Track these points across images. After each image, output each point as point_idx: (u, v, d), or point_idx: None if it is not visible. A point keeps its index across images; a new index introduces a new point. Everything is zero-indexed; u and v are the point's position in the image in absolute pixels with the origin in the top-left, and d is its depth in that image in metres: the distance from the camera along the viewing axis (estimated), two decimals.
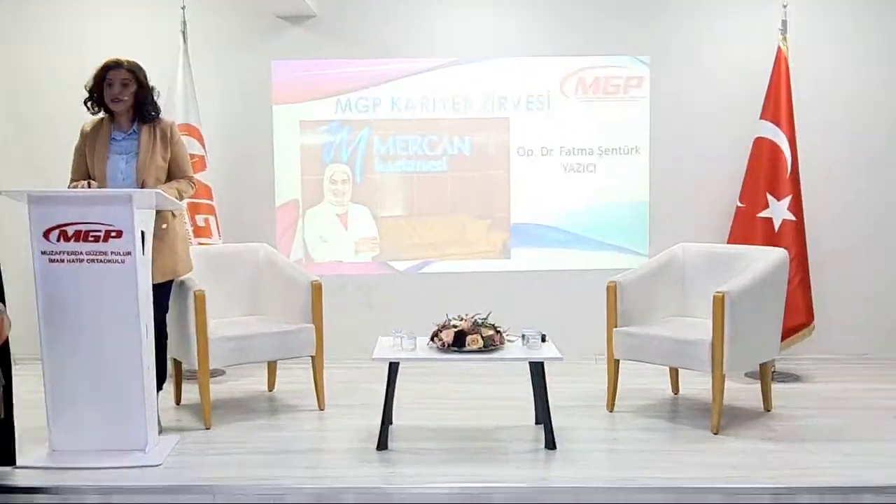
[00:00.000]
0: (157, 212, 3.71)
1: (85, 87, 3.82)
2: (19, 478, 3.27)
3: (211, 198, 5.06)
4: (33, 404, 3.57)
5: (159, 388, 3.81)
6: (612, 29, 5.39)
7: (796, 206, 4.88)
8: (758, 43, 5.22)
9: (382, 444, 3.67)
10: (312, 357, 4.28)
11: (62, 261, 3.38)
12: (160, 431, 3.73)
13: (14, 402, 3.36)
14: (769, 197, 4.90)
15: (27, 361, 3.94)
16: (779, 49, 4.94)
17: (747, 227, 4.96)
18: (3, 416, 3.12)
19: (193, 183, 4.04)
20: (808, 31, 5.22)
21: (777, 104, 4.91)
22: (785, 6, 4.97)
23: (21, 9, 5.30)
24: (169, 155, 3.87)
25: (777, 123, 4.90)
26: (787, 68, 4.92)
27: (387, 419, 3.71)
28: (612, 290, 4.18)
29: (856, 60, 5.32)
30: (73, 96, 3.98)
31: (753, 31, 5.27)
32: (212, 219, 5.04)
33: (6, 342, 3.23)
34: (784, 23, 4.94)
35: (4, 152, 5.21)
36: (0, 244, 3.50)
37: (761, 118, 4.98)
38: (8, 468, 3.31)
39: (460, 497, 3.23)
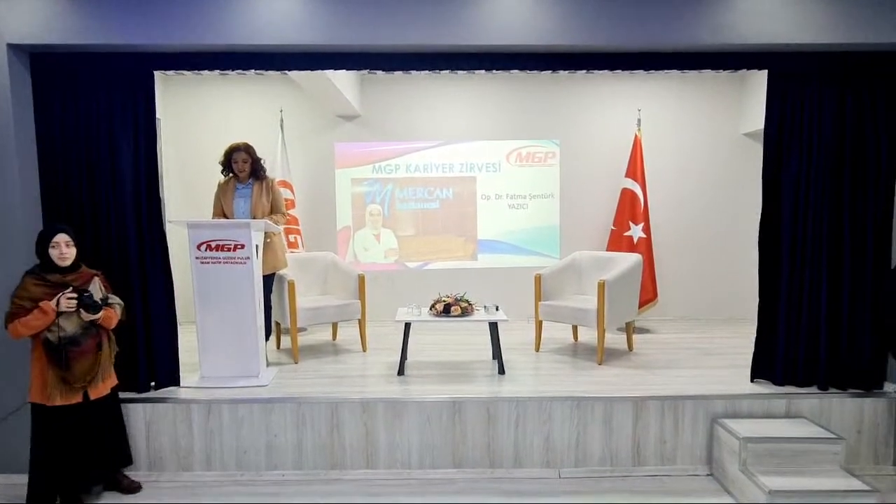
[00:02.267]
0: (265, 233, 3.79)
1: (219, 162, 3.95)
2: (182, 393, 3.38)
3: (298, 224, 5.19)
4: (190, 349, 3.66)
5: (266, 338, 3.86)
6: (537, 123, 5.52)
7: (647, 229, 5.06)
8: (623, 131, 5.40)
9: (401, 372, 3.75)
10: (359, 319, 4.36)
11: (208, 262, 3.47)
12: (267, 365, 3.80)
13: (179, 347, 3.48)
14: (630, 223, 5.08)
15: (186, 324, 4.01)
16: (636, 135, 5.17)
17: (617, 241, 5.15)
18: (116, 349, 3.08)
19: (285, 216, 4.09)
20: (652, 125, 5.40)
21: (634, 168, 5.12)
22: (639, 110, 5.26)
23: (187, 100, 5.37)
24: (270, 198, 3.95)
25: (635, 179, 5.11)
26: (640, 147, 5.14)
27: (404, 356, 3.79)
28: (538, 279, 4.31)
29: (680, 141, 5.50)
30: (214, 161, 4.06)
31: (621, 125, 5.44)
32: (299, 237, 5.18)
33: (173, 311, 3.37)
34: (638, 120, 5.23)
35: (174, 195, 5.27)
36: (172, 253, 3.49)
37: (625, 176, 5.18)
38: (175, 387, 3.44)
39: (448, 403, 3.30)
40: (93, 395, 2.83)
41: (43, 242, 2.75)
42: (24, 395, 3.18)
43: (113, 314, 2.87)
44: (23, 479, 3.04)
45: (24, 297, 2.68)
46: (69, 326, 2.71)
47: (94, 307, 2.71)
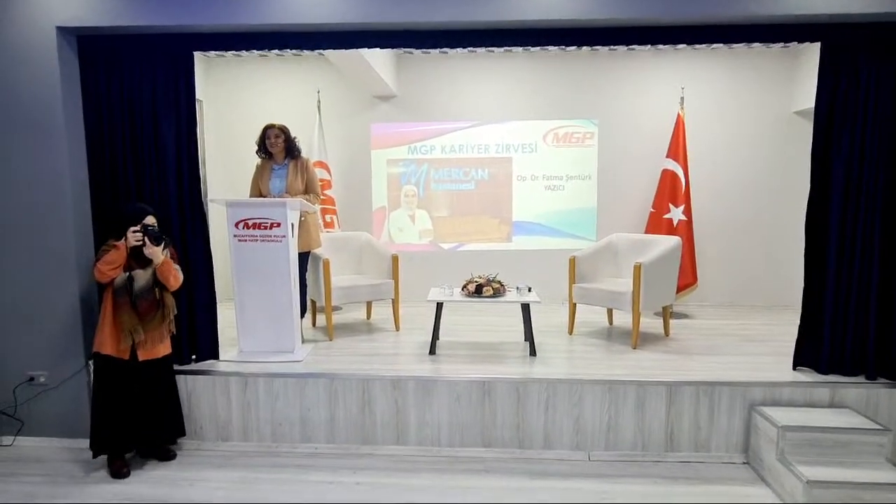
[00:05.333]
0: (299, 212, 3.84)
1: (256, 142, 4.04)
2: (221, 366, 3.49)
3: (334, 205, 5.27)
4: (229, 325, 3.79)
5: (302, 315, 3.96)
6: (575, 102, 5.42)
7: (687, 211, 4.93)
8: (665, 110, 5.26)
9: (432, 351, 3.80)
10: (392, 299, 4.42)
11: (246, 240, 3.56)
12: (302, 341, 3.89)
13: (218, 324, 3.60)
14: (670, 205, 4.97)
15: (225, 301, 4.16)
16: (678, 114, 5.01)
17: (656, 224, 5.03)
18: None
19: (319, 196, 4.15)
20: (696, 103, 5.24)
21: (676, 148, 4.98)
22: (682, 88, 5.11)
23: (227, 83, 5.49)
24: (305, 178, 4.02)
25: (676, 160, 4.97)
26: (683, 126, 4.98)
27: (435, 336, 3.83)
28: (573, 261, 4.28)
29: (726, 120, 5.31)
30: (252, 142, 4.15)
31: (662, 103, 5.30)
32: (335, 217, 5.26)
33: (213, 287, 3.50)
34: (682, 98, 5.06)
35: (214, 176, 5.41)
36: (212, 231, 3.60)
37: (666, 157, 5.05)
38: (215, 361, 3.56)
39: (478, 383, 3.32)
40: (142, 356, 3.03)
41: (132, 221, 3.04)
42: (81, 362, 3.39)
43: (171, 265, 3.07)
44: (87, 444, 3.23)
45: (109, 245, 3.00)
46: (137, 280, 2.99)
47: (157, 237, 2.98)
